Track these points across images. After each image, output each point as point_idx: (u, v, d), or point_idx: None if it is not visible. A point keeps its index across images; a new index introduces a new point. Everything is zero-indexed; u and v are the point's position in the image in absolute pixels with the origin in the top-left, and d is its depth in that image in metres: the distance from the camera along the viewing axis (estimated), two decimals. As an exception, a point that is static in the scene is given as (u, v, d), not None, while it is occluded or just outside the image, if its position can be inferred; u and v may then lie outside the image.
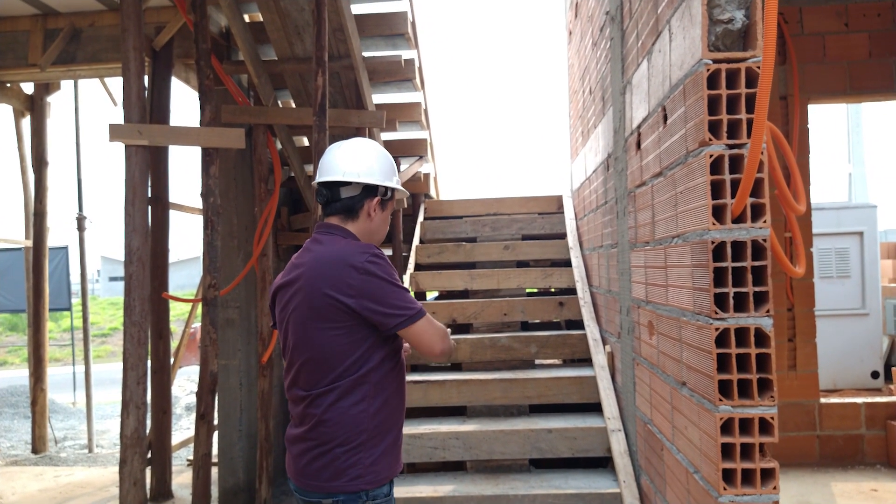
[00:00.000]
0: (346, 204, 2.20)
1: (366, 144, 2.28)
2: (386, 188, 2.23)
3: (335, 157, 2.21)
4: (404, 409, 2.22)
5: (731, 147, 1.96)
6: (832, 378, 7.85)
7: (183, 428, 8.79)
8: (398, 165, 6.14)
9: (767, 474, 1.93)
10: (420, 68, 5.96)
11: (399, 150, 6.24)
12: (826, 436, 5.13)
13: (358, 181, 2.17)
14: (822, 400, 5.21)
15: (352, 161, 2.19)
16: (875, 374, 8.02)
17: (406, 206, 6.10)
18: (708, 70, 1.96)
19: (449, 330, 2.22)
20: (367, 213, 2.21)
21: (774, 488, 1.92)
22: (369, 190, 2.20)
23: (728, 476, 1.95)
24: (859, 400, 5.24)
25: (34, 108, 7.21)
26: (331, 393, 2.04)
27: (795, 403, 5.12)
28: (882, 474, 4.90)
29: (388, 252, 7.24)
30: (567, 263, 5.17)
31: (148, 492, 4.42)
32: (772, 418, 1.93)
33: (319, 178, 2.21)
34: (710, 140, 1.96)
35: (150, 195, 4.76)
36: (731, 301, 1.95)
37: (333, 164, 2.20)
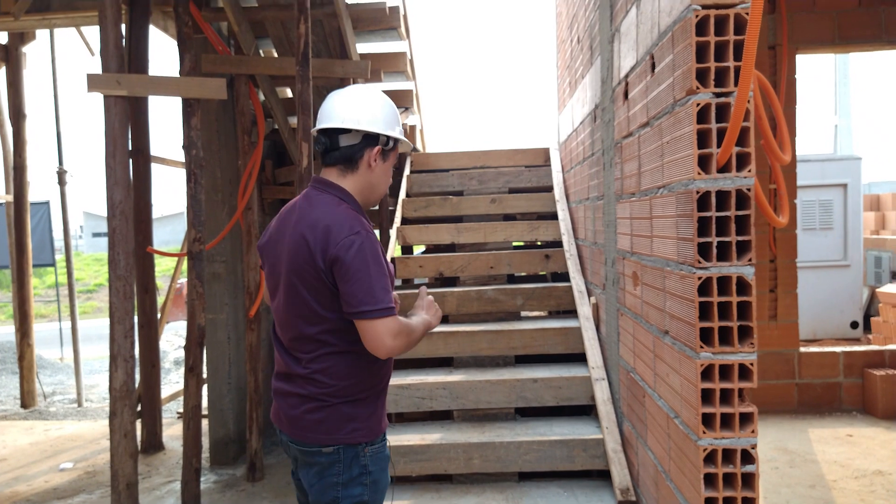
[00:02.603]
0: (346, 153, 2.10)
1: (368, 91, 2.18)
2: (388, 137, 2.12)
3: (335, 104, 2.11)
4: (390, 363, 2.23)
5: (718, 95, 1.95)
6: (812, 328, 8.02)
7: (172, 382, 8.85)
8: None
9: (746, 418, 1.98)
10: (405, 16, 5.83)
11: (384, 102, 6.15)
12: (805, 384, 5.26)
13: (358, 129, 2.07)
14: (802, 349, 5.32)
15: (353, 108, 2.09)
16: (854, 325, 8.19)
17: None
18: (697, 16, 1.94)
19: (419, 320, 2.13)
20: (367, 163, 2.11)
21: (752, 431, 1.97)
22: (370, 139, 2.10)
23: (707, 420, 1.99)
24: (838, 349, 5.35)
25: (9, 58, 7.01)
26: (326, 352, 2.03)
27: (775, 353, 5.23)
28: (858, 420, 5.05)
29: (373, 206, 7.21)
30: (553, 216, 5.17)
31: (139, 444, 4.48)
32: (751, 364, 1.97)
33: (318, 125, 2.12)
34: (698, 88, 1.95)
35: (131, 148, 4.69)
36: (715, 250, 1.97)
37: (333, 111, 2.10)
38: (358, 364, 2.06)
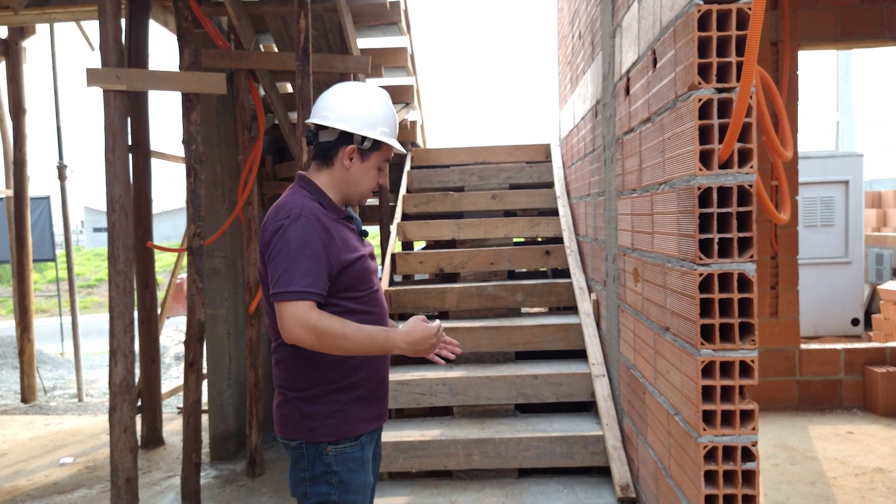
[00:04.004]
0: (323, 148, 2.13)
1: (358, 89, 2.17)
2: (363, 138, 2.09)
3: (322, 99, 2.14)
4: (380, 364, 2.14)
5: (720, 91, 1.94)
6: (813, 325, 8.00)
7: (172, 377, 8.86)
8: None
9: (747, 415, 1.97)
10: (406, 11, 5.81)
11: (385, 98, 6.13)
12: (805, 381, 5.25)
13: (330, 125, 2.08)
14: (803, 346, 5.31)
15: (335, 104, 2.10)
16: (855, 322, 8.17)
17: (393, 154, 6.02)
18: (699, 11, 1.92)
19: (324, 322, 1.90)
20: (341, 161, 2.11)
21: (753, 429, 1.96)
22: (345, 137, 2.10)
23: (708, 417, 1.99)
24: (839, 346, 5.34)
25: (9, 53, 6.99)
26: (279, 341, 2.05)
27: (776, 349, 5.22)
28: (858, 418, 5.04)
29: (373, 201, 7.20)
30: (554, 212, 5.16)
31: (139, 439, 4.48)
32: (752, 361, 1.96)
33: (309, 119, 2.17)
34: (700, 84, 1.94)
35: (130, 143, 4.68)
36: (716, 247, 1.96)
37: (318, 106, 2.14)
38: (305, 358, 2.02)
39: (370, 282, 2.14)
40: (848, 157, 8.33)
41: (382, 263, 4.98)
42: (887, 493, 3.70)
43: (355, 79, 5.05)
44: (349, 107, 2.11)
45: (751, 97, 1.85)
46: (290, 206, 2.02)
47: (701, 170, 1.95)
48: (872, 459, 4.18)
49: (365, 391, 2.10)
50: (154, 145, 5.46)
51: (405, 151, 3.84)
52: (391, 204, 6.04)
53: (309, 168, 2.20)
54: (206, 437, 5.07)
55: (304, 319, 1.88)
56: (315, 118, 2.13)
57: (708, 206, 1.96)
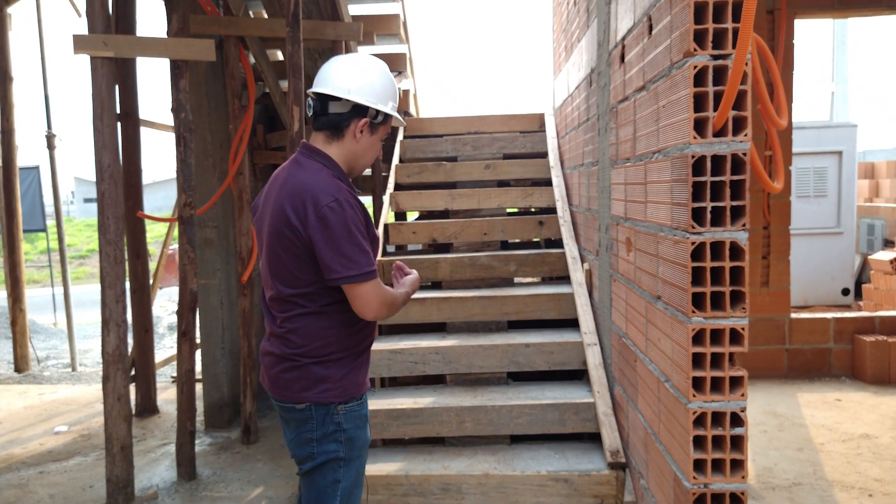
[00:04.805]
0: (333, 120, 2.11)
1: (367, 61, 2.17)
2: (377, 111, 2.12)
3: (332, 69, 2.11)
4: (373, 329, 2.25)
5: (715, 58, 1.92)
6: (803, 295, 8.07)
7: (166, 347, 8.88)
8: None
9: (736, 382, 2.00)
10: (398, -22, 5.71)
11: (377, 66, 6.05)
12: (795, 349, 5.31)
13: (347, 98, 2.08)
14: (793, 315, 5.36)
15: (347, 76, 2.09)
16: (846, 291, 8.25)
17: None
18: (695, -25, 1.89)
19: (405, 291, 2.23)
20: (353, 133, 2.12)
21: (742, 395, 1.99)
22: (359, 110, 2.10)
23: (698, 384, 2.01)
24: (829, 315, 5.40)
25: (-8, 18, 6.85)
26: (298, 313, 2.08)
27: (767, 319, 5.26)
28: (846, 385, 5.11)
29: (366, 171, 7.15)
30: (548, 183, 5.15)
31: (133, 407, 4.50)
32: (742, 329, 1.98)
33: (313, 88, 2.13)
34: (695, 50, 1.92)
35: (119, 111, 4.62)
36: (709, 215, 1.96)
37: (328, 76, 2.11)
38: (329, 326, 2.09)
39: (376, 253, 2.22)
40: (842, 127, 8.32)
41: (375, 233, 4.97)
42: (873, 458, 3.77)
43: (347, 47, 4.98)
44: (363, 80, 2.10)
45: (746, 64, 1.83)
46: (328, 188, 2.02)
47: (695, 138, 1.94)
48: (859, 426, 4.25)
49: (366, 354, 2.23)
50: (142, 114, 5.40)
51: (405, 124, 3.84)
52: (384, 174, 6.01)
53: (310, 138, 2.19)
54: (200, 405, 5.09)
55: (382, 297, 2.04)
56: (326, 88, 2.09)
57: (702, 175, 1.95)
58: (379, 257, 4.40)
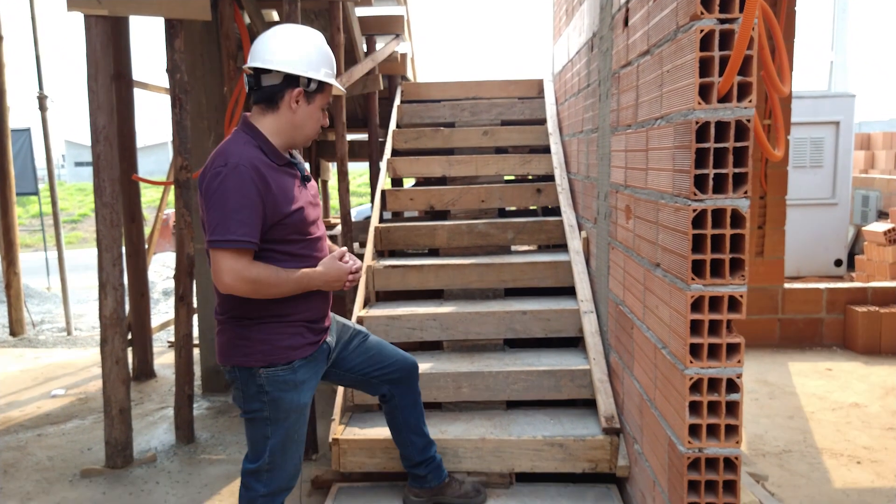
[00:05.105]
0: (266, 93, 2.14)
1: (296, 31, 2.19)
2: (309, 79, 2.13)
3: (262, 42, 2.14)
4: (315, 304, 2.26)
5: (722, 22, 1.89)
6: (797, 265, 8.12)
7: (161, 312, 8.89)
8: (373, 44, 5.90)
9: (733, 349, 2.01)
10: (396, -62, 5.59)
11: (374, 28, 5.97)
12: (787, 319, 5.36)
13: (276, 69, 2.10)
14: (786, 285, 5.40)
15: (276, 48, 2.11)
16: (838, 262, 8.30)
17: (382, 87, 5.91)
18: (704, -64, 1.86)
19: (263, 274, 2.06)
20: (288, 104, 2.15)
21: (739, 361, 2.01)
22: (291, 80, 2.12)
23: (695, 350, 2.02)
24: (822, 286, 5.44)
25: (-20, -25, 6.69)
26: None
27: (760, 288, 5.30)
28: (837, 355, 5.18)
29: (363, 136, 7.10)
30: (546, 150, 5.12)
31: (130, 371, 4.51)
32: (741, 296, 1.99)
33: (247, 63, 2.16)
34: (702, 14, 1.89)
35: (113, 72, 4.53)
36: (711, 182, 1.96)
37: (257, 50, 2.14)
38: None
39: (308, 231, 2.23)
40: (840, 97, 8.27)
41: (372, 200, 4.95)
42: (862, 426, 3.84)
43: (344, 9, 4.90)
44: (292, 50, 2.12)
45: (753, 29, 1.81)
46: (229, 153, 2.06)
47: (700, 103, 1.92)
48: (849, 395, 4.32)
49: (303, 323, 2.24)
50: (136, 76, 5.31)
51: (345, 91, 3.81)
52: (381, 139, 5.96)
53: (251, 112, 2.21)
54: (197, 370, 5.12)
55: (239, 271, 2.02)
56: (255, 62, 2.12)
57: (705, 141, 1.94)
58: (376, 223, 4.39)
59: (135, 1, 3.78)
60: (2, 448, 4.13)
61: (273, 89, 2.13)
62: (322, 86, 2.19)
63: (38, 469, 3.81)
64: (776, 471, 3.34)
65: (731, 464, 2.05)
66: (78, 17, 3.58)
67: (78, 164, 43.38)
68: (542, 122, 5.39)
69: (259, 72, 2.13)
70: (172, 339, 5.06)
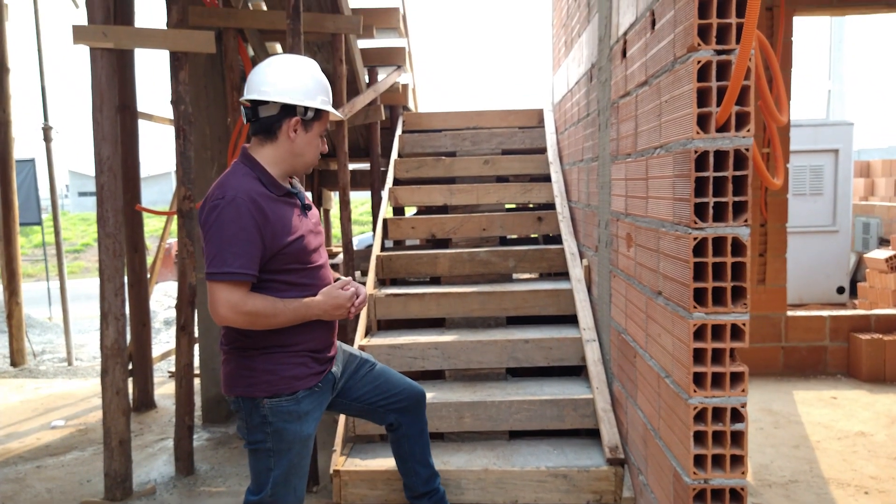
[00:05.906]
0: (264, 124, 2.17)
1: (291, 61, 2.22)
2: (306, 108, 2.16)
3: (257, 74, 2.17)
4: (319, 334, 2.27)
5: (718, 53, 1.92)
6: (799, 293, 8.10)
7: (162, 342, 8.86)
8: (375, 75, 5.97)
9: (737, 377, 2.00)
10: (398, -28, 5.69)
11: (376, 59, 6.05)
12: (791, 347, 5.33)
13: (272, 100, 2.12)
14: (789, 313, 5.38)
15: (271, 79, 2.14)
16: (841, 290, 8.28)
17: (384, 118, 5.97)
18: (700, -30, 1.89)
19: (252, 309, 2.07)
20: (286, 133, 2.17)
21: (743, 390, 2.00)
22: (288, 109, 2.15)
23: (698, 379, 2.01)
24: (825, 313, 5.41)
25: (-11, 10, 6.81)
26: None
27: (763, 316, 5.28)
28: (842, 383, 5.13)
29: (365, 166, 7.14)
30: (547, 178, 5.15)
31: (131, 402, 4.48)
32: (743, 325, 1.99)
33: (244, 96, 2.19)
34: (699, 45, 1.92)
35: (117, 103, 4.58)
36: (711, 211, 1.96)
37: (254, 82, 2.16)
38: None
39: (309, 260, 2.23)
40: (838, 125, 8.34)
41: (374, 229, 4.96)
42: (868, 455, 3.79)
43: (347, 40, 4.97)
44: (287, 80, 2.15)
45: (749, 60, 1.84)
46: (227, 185, 2.09)
47: (698, 133, 1.94)
48: (855, 423, 4.27)
49: (302, 352, 2.24)
50: (140, 107, 5.37)
51: (342, 117, 3.84)
52: (382, 169, 6.00)
53: (251, 143, 2.24)
54: (198, 400, 5.09)
55: (235, 303, 2.04)
56: (252, 94, 2.15)
57: (704, 170, 1.95)
58: (378, 252, 4.40)
59: (140, 34, 3.84)
60: (0, 480, 4.08)
61: (270, 120, 2.15)
62: (319, 113, 2.21)
63: (36, 502, 3.77)
64: (783, 501, 3.29)
65: (737, 495, 2.03)
66: (84, 50, 3.63)
67: (81, 193, 43.61)
68: (543, 151, 5.44)
69: (256, 103, 2.15)
70: (173, 368, 5.03)
